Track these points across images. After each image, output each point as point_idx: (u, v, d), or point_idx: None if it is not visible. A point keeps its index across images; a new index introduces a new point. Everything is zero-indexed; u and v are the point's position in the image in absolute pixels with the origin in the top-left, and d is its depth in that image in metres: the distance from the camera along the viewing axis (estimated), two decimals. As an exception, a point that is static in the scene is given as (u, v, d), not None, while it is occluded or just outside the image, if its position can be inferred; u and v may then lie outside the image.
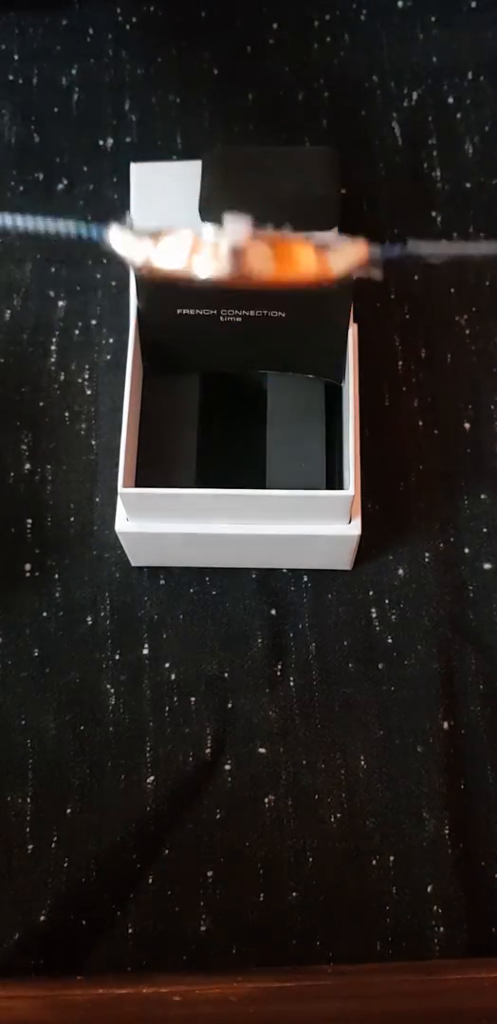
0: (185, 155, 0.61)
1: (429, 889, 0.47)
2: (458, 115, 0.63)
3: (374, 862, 0.47)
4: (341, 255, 0.33)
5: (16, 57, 0.64)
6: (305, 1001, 0.43)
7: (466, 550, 0.53)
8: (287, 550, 0.50)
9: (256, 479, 0.49)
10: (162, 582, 0.52)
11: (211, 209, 0.47)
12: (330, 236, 0.35)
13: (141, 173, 0.53)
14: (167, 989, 0.42)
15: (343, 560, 0.51)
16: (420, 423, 0.55)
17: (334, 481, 0.50)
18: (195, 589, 0.52)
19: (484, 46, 0.64)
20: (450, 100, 0.63)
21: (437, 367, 0.57)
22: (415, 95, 0.63)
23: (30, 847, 0.47)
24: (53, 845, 0.47)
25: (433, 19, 0.65)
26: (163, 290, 0.46)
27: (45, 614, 0.51)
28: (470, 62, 0.64)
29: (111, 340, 0.57)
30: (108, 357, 0.57)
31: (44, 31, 0.65)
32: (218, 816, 0.48)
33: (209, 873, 0.47)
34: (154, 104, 0.63)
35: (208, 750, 0.49)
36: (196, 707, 0.50)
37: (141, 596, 0.52)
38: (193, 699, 0.50)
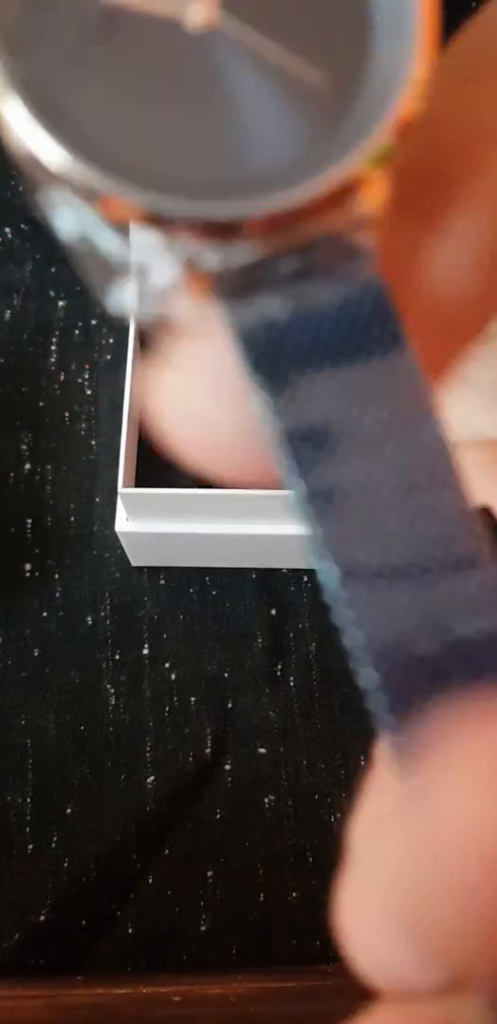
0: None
1: (429, 889, 0.47)
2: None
3: (374, 862, 0.47)
4: None
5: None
6: (305, 1001, 0.42)
7: (466, 550, 0.53)
8: (287, 550, 0.50)
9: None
10: (162, 582, 0.52)
11: None
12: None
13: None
14: (167, 989, 0.42)
15: (343, 560, 0.51)
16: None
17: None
18: (195, 589, 0.52)
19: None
20: (450, 100, 0.63)
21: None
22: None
23: (30, 847, 0.47)
24: (53, 845, 0.47)
25: (433, 19, 0.65)
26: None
27: (45, 614, 0.51)
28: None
29: (111, 340, 0.57)
30: (108, 357, 0.57)
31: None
32: (218, 816, 0.48)
33: (209, 873, 0.47)
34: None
35: (208, 750, 0.49)
36: (196, 707, 0.50)
37: (141, 596, 0.52)
38: (193, 699, 0.50)
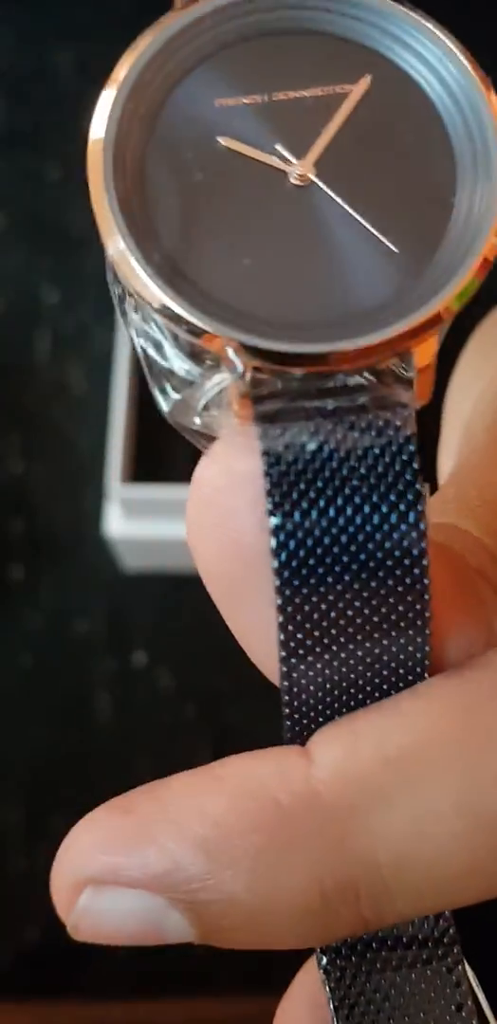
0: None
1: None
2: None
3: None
4: None
5: (11, 45, 0.63)
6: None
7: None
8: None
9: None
10: (159, 587, 0.51)
11: None
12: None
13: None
14: (162, 1009, 0.41)
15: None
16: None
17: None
18: (193, 594, 0.51)
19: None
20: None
21: (439, 366, 0.56)
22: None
23: (23, 863, 0.46)
24: (46, 861, 0.46)
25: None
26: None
27: (38, 619, 0.50)
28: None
29: (106, 337, 0.56)
30: (103, 354, 0.56)
31: (40, 19, 0.64)
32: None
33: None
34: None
35: (207, 759, 0.48)
36: (194, 715, 0.49)
37: (137, 601, 0.51)
38: (191, 707, 0.49)
